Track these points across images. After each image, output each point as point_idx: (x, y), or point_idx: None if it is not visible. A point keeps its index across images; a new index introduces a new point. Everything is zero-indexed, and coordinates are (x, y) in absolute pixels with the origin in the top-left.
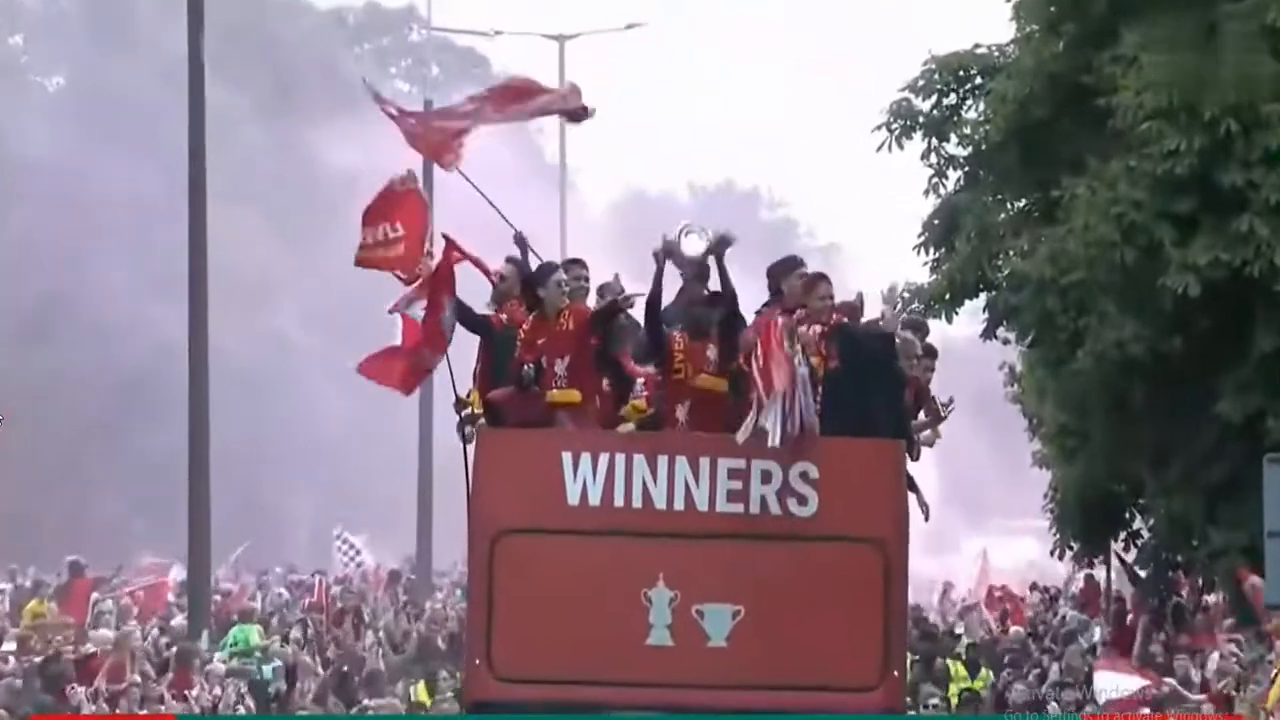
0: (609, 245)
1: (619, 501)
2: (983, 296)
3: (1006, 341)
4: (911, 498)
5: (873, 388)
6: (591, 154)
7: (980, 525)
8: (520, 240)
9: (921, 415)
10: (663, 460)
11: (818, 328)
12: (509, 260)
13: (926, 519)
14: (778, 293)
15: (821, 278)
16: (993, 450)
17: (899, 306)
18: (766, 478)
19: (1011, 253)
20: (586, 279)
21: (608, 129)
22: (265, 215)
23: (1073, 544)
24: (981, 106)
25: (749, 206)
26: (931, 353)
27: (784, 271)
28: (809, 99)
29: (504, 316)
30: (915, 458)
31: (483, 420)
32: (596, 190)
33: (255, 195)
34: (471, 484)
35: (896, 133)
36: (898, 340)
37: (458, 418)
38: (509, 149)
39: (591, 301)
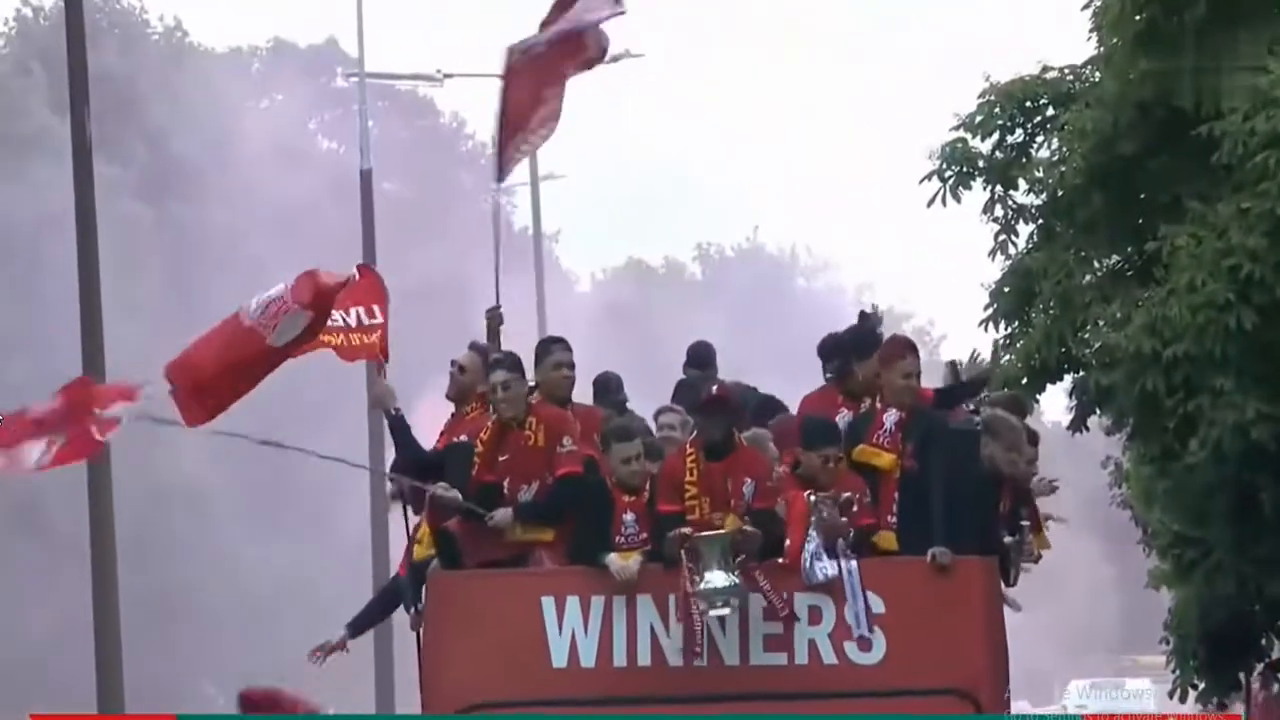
0: (599, 330)
1: (620, 660)
2: (1068, 379)
3: (1110, 433)
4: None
5: (958, 491)
6: (570, 215)
7: (1082, 664)
8: (493, 320)
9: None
10: (675, 601)
11: (894, 415)
12: (473, 347)
13: None
14: (844, 373)
15: (908, 349)
16: (1100, 569)
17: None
18: (816, 616)
19: (1101, 323)
20: (571, 367)
21: (589, 185)
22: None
23: (1196, 682)
24: (1055, 144)
25: (779, 274)
26: (1034, 440)
27: (862, 352)
28: (846, 144)
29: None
30: (1012, 581)
31: (435, 563)
32: (579, 260)
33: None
34: (423, 644)
35: (951, 181)
36: (989, 420)
37: (405, 561)
38: (463, 211)
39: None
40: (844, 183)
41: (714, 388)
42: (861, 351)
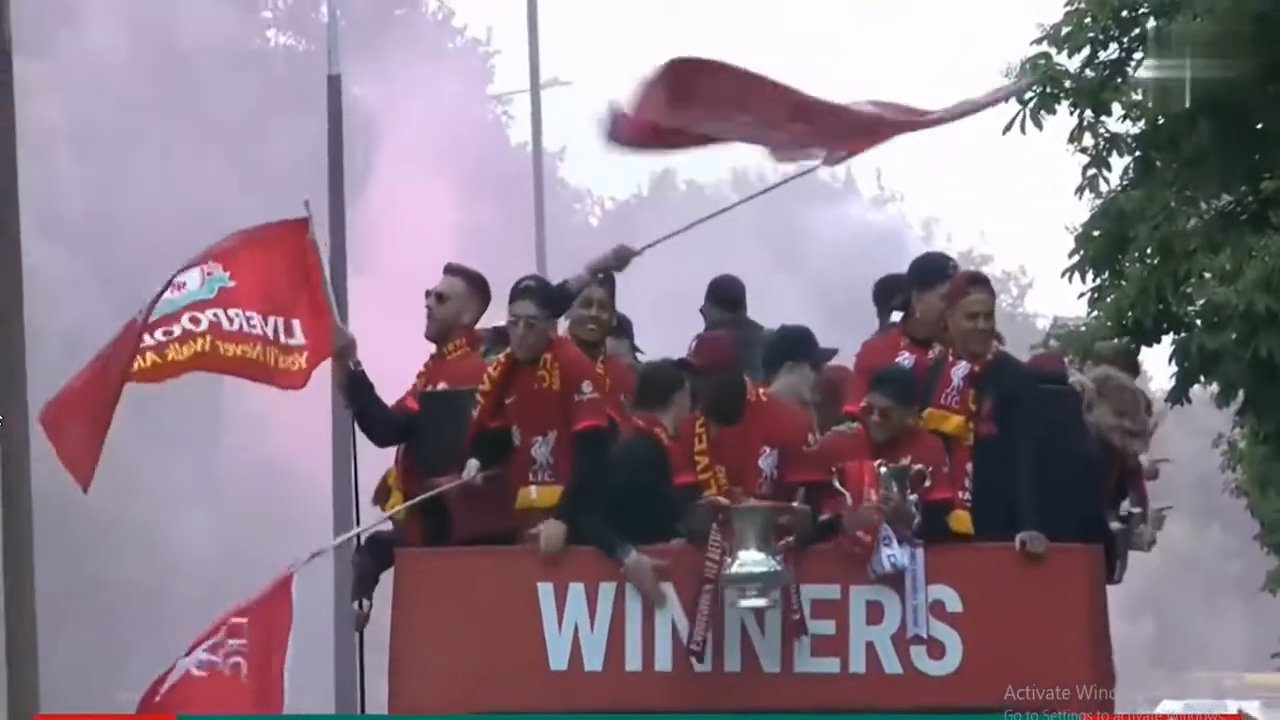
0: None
1: (634, 663)
2: (1168, 340)
3: (1220, 405)
4: None
5: (1054, 464)
6: (579, 130)
7: (1184, 679)
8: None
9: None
10: (706, 592)
11: (963, 367)
12: (451, 270)
13: None
14: (904, 313)
15: (975, 282)
16: (1216, 566)
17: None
18: (876, 613)
19: (1207, 275)
20: (604, 307)
21: (602, 94)
22: None
23: None
24: (1157, 62)
25: (832, 203)
26: (1148, 407)
27: (924, 281)
28: (911, 55)
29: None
30: (1116, 577)
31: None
32: (595, 178)
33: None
34: (392, 642)
35: (1032, 104)
36: (1098, 379)
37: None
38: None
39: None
40: (909, 99)
41: (695, 343)
42: (924, 281)
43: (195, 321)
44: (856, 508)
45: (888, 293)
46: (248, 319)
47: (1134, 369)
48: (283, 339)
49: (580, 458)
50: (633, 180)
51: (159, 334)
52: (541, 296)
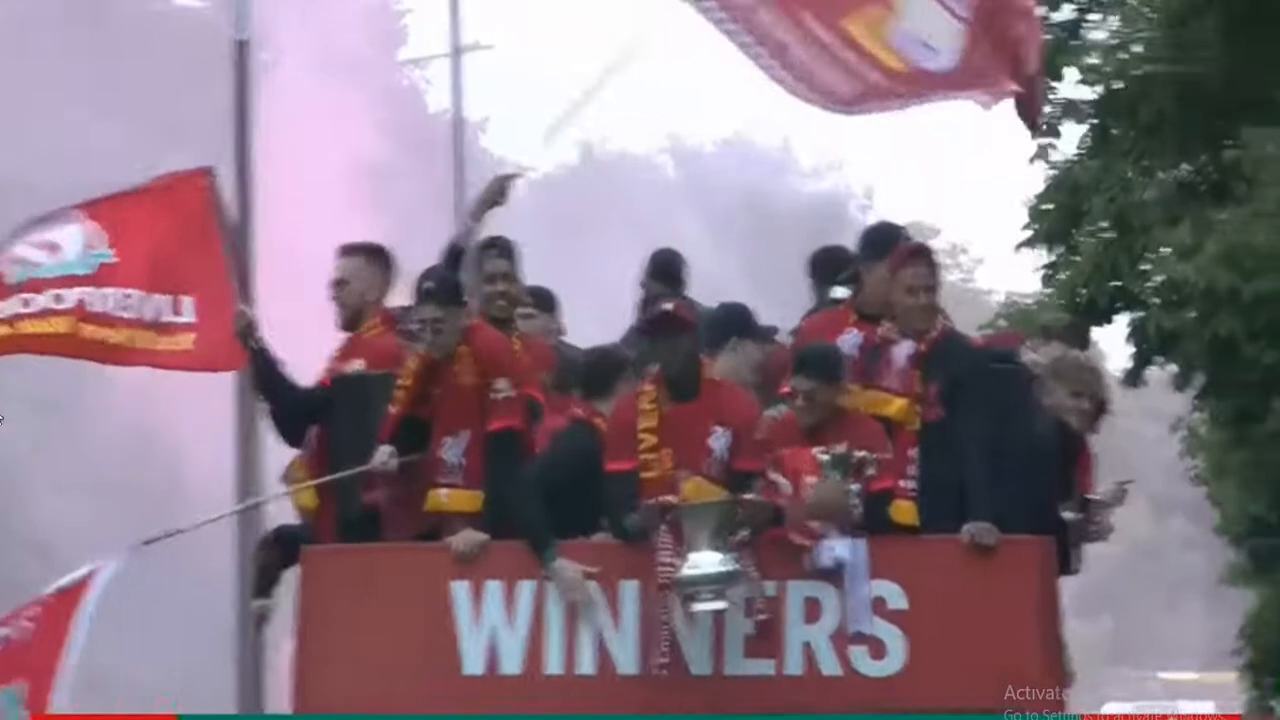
0: (540, 238)
1: (554, 667)
2: (1124, 319)
3: (1177, 388)
4: None
5: (1005, 450)
6: (504, 97)
7: (1141, 679)
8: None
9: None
10: (629, 590)
11: (906, 346)
12: (346, 251)
13: None
14: (852, 287)
15: (914, 254)
16: (1166, 559)
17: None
18: (814, 611)
19: (1166, 250)
20: (508, 279)
21: (529, 60)
22: None
23: (1274, 706)
24: (1116, 21)
25: (772, 175)
26: (1100, 382)
27: (874, 252)
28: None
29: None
30: (1072, 567)
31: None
32: (518, 147)
33: None
34: (297, 646)
35: None
36: (1053, 359)
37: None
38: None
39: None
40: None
41: (667, 305)
42: (873, 252)
43: (58, 299)
44: (797, 498)
45: (827, 265)
46: (124, 299)
47: (1083, 345)
48: (165, 318)
49: (494, 461)
50: (559, 151)
51: (16, 301)
52: (443, 295)
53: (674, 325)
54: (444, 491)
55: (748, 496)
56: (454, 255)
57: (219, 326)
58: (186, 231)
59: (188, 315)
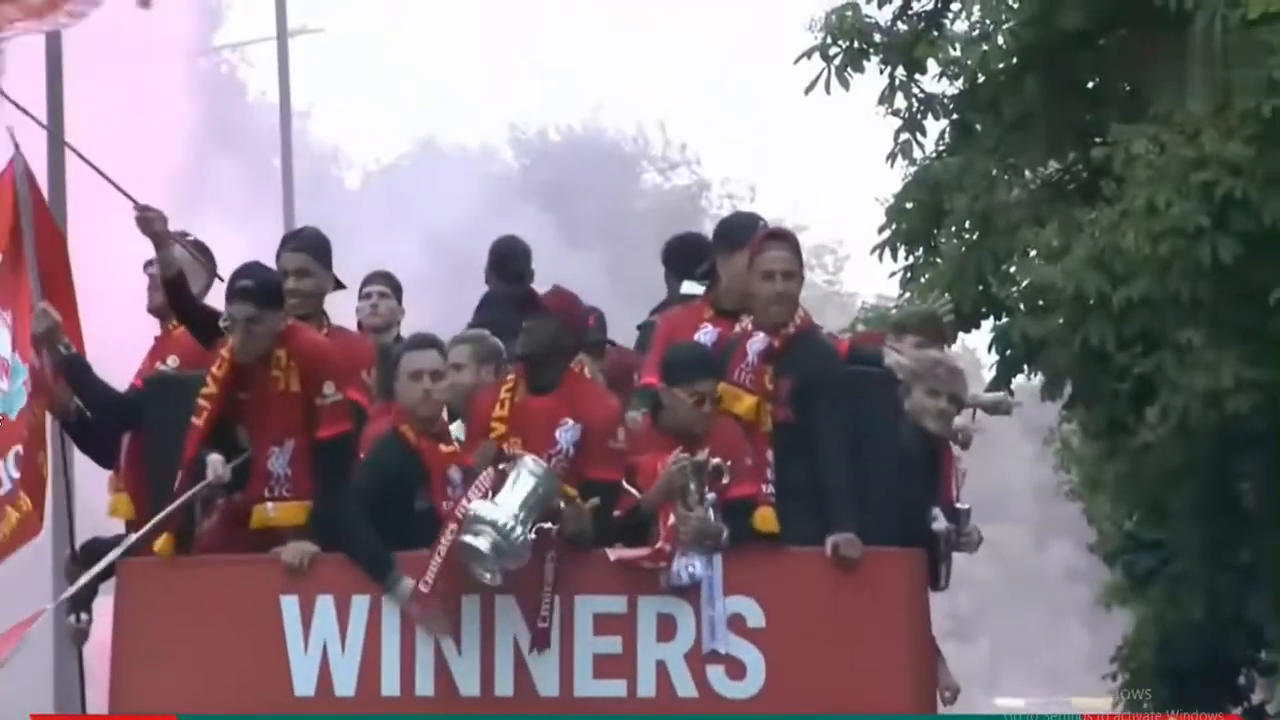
0: (375, 234)
1: (390, 688)
2: (987, 325)
3: (1044, 398)
4: None
5: (868, 455)
6: (333, 84)
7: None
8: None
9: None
10: (471, 606)
11: (760, 340)
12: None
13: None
14: (708, 281)
15: (773, 237)
16: (1046, 579)
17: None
18: (668, 629)
19: (1032, 252)
20: (302, 275)
21: (359, 43)
22: None
23: None
24: (975, 13)
25: (622, 167)
26: (959, 379)
27: (730, 243)
28: (701, 15)
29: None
30: (941, 582)
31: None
32: (346, 144)
33: None
34: (112, 665)
35: (838, 60)
36: (911, 358)
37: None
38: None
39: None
40: (704, 57)
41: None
42: (730, 242)
43: None
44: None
45: (682, 254)
46: None
47: (943, 338)
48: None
49: (325, 470)
50: (390, 141)
51: None
52: (260, 294)
53: (536, 308)
54: (270, 505)
55: (577, 502)
56: (173, 293)
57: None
58: None
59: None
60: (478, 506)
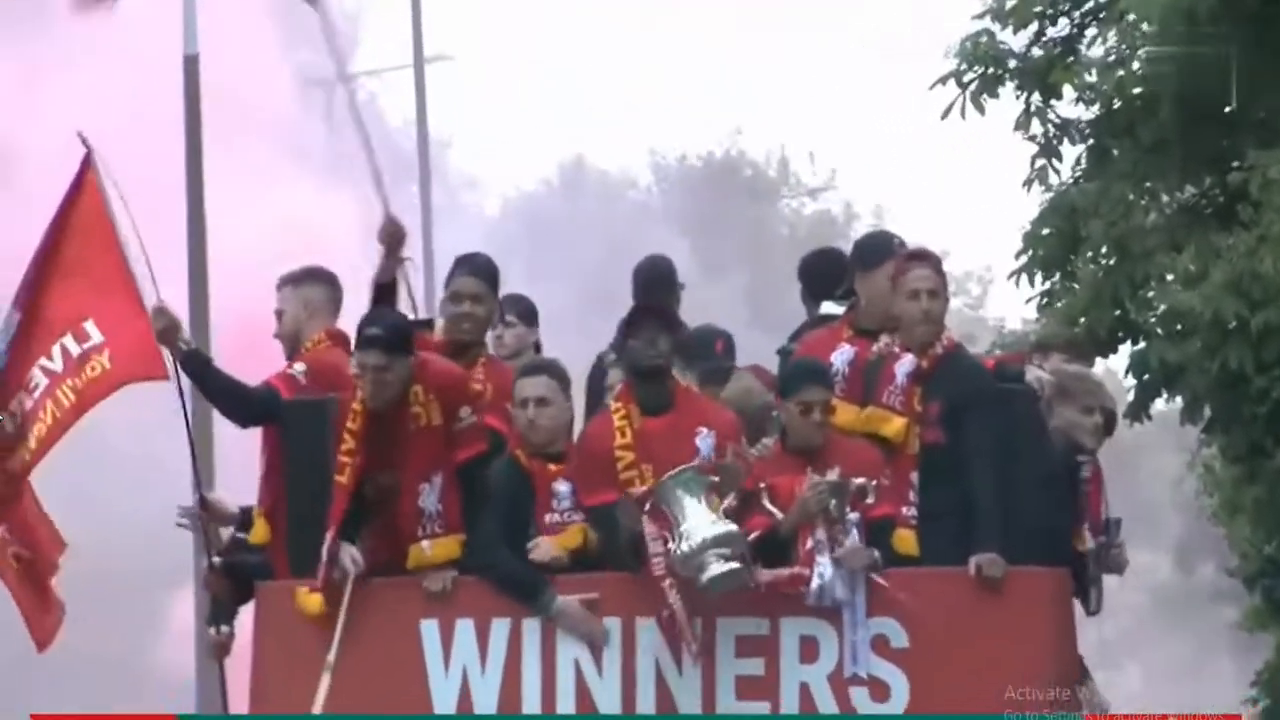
0: (514, 260)
1: (531, 705)
2: (1125, 350)
3: (1183, 423)
4: None
5: (1014, 474)
6: (470, 112)
7: None
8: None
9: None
10: (614, 627)
11: (908, 362)
12: (282, 282)
13: None
14: (848, 300)
15: (916, 257)
16: (1170, 604)
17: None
18: (810, 650)
19: (1169, 278)
20: (477, 301)
21: (496, 71)
22: None
23: None
24: (1111, 38)
25: (762, 193)
26: (1108, 394)
27: (867, 262)
28: (843, 34)
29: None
30: (1093, 606)
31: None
32: (484, 171)
33: None
34: (252, 679)
35: (973, 86)
36: (1059, 376)
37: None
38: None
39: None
40: (840, 85)
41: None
42: (866, 261)
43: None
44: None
45: (819, 274)
46: (39, 374)
47: (1089, 356)
48: (76, 351)
49: (466, 493)
50: (532, 168)
51: None
52: (391, 341)
53: (649, 317)
54: (426, 544)
55: (725, 463)
56: (378, 295)
57: (130, 332)
58: (78, 244)
59: (95, 337)
60: (680, 550)
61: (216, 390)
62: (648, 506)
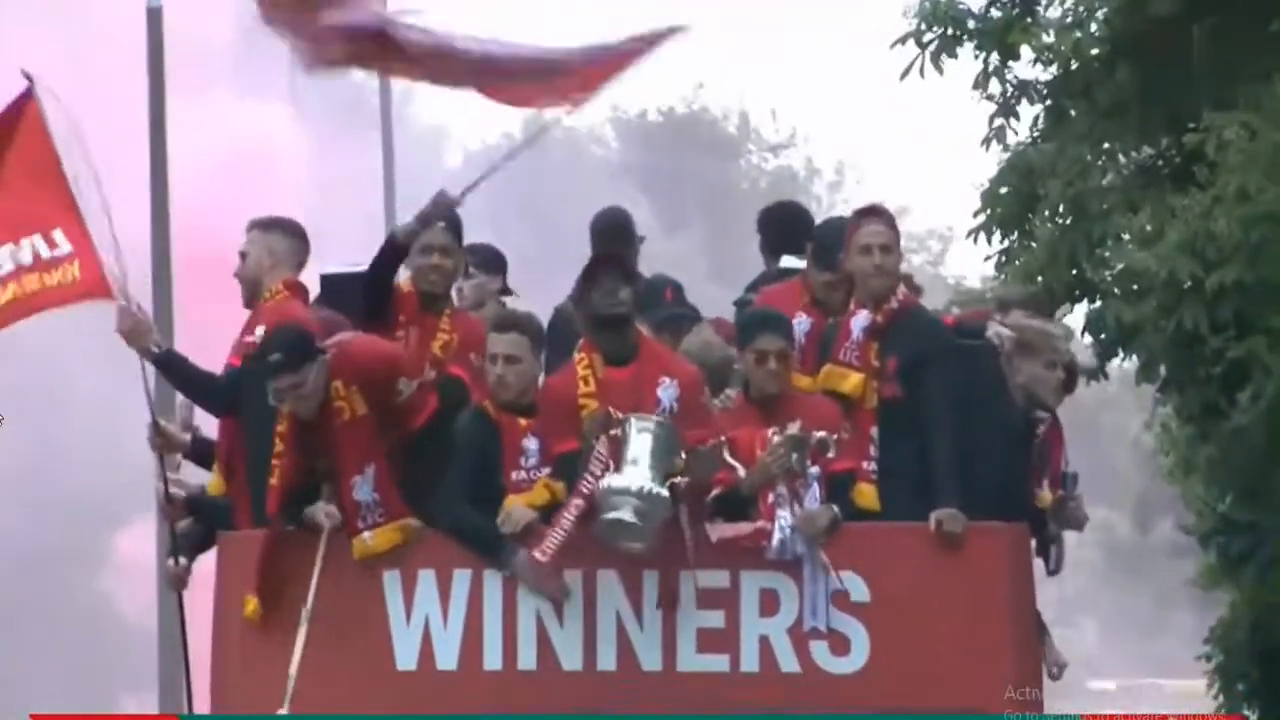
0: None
1: (493, 662)
2: (1080, 309)
3: (1139, 382)
4: None
5: (973, 430)
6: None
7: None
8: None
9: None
10: (575, 579)
11: (863, 317)
12: (251, 225)
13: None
14: (823, 261)
15: (868, 213)
16: (1128, 561)
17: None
18: (771, 603)
19: (1125, 237)
20: (445, 253)
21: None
22: None
23: (1246, 714)
24: (1069, 0)
25: (724, 150)
26: (1072, 367)
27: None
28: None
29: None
30: (1052, 564)
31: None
32: (448, 123)
33: None
34: (214, 636)
35: (932, 46)
36: (1020, 330)
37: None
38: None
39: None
40: (802, 43)
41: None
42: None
43: None
44: (754, 473)
45: (779, 226)
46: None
47: (1048, 313)
48: (45, 254)
49: (434, 451)
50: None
51: None
52: (294, 362)
53: (610, 266)
54: (367, 535)
55: (701, 448)
56: (391, 246)
57: (92, 252)
58: (31, 162)
59: (64, 246)
60: (609, 480)
61: (188, 386)
62: (612, 431)
